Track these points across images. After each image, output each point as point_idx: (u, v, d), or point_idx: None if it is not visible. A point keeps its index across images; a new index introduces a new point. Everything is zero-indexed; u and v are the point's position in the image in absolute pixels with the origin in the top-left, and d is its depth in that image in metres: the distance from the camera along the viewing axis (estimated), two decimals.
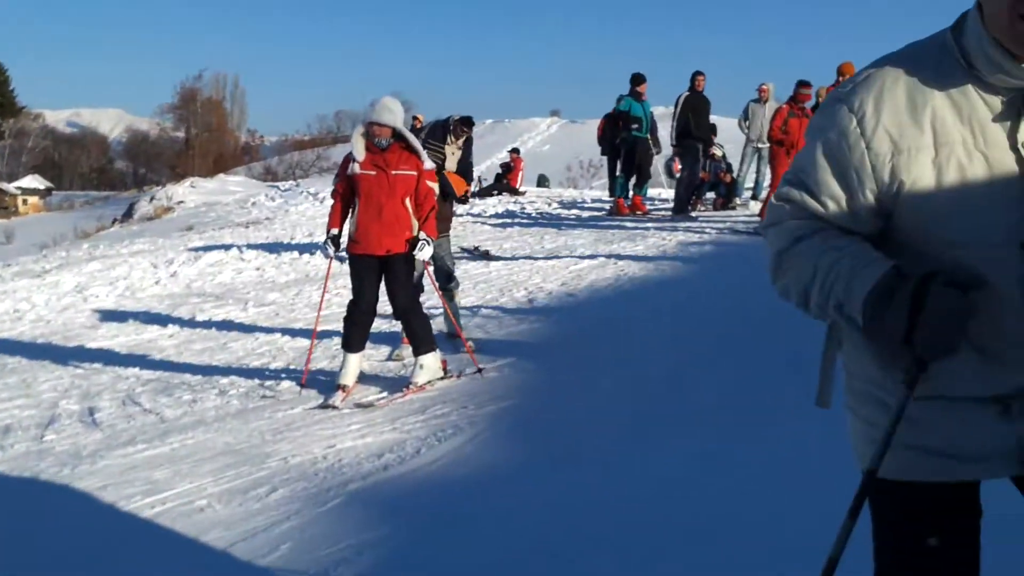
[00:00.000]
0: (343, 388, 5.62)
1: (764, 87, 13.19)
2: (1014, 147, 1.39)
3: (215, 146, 63.09)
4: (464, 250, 11.56)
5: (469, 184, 11.56)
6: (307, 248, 11.96)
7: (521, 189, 20.23)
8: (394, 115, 5.56)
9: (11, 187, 55.39)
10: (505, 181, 20.32)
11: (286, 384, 6.00)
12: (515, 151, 22.03)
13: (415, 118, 17.58)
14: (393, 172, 5.58)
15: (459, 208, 15.15)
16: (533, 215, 14.83)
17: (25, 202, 53.55)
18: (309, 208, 18.55)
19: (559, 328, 6.89)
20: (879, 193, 1.46)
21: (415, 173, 5.64)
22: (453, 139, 10.71)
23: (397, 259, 5.61)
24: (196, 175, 32.92)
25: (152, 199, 23.50)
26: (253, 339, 7.51)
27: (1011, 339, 1.42)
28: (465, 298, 8.41)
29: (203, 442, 4.94)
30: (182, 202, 21.07)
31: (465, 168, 11.04)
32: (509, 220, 14.15)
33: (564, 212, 14.92)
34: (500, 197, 18.38)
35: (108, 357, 7.27)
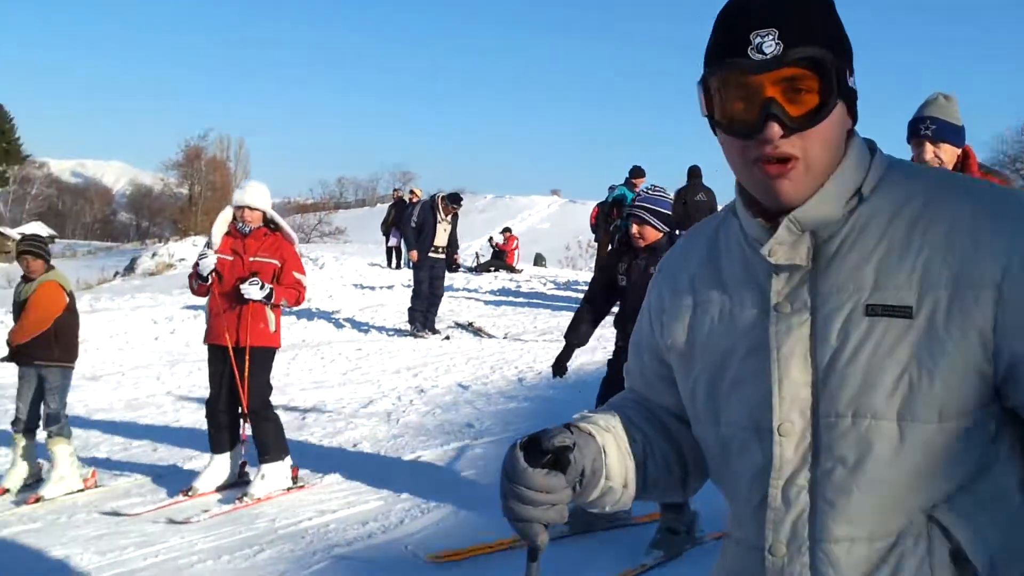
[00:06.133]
0: (188, 492, 5.13)
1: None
2: (765, 311, 1.19)
3: (218, 204, 63.81)
4: (458, 325, 11.85)
5: (456, 254, 11.98)
6: (304, 314, 12.19)
7: (518, 267, 20.63)
8: (265, 200, 5.30)
9: (13, 232, 55.79)
10: (503, 258, 20.75)
11: None
12: (507, 230, 22.48)
13: (411, 192, 18.05)
14: (251, 259, 5.21)
15: (456, 282, 15.54)
16: (528, 294, 15.13)
17: None
18: (308, 273, 18.82)
19: (547, 407, 7.11)
20: (660, 353, 1.36)
21: (276, 262, 5.26)
22: (443, 216, 11.22)
23: (250, 352, 5.18)
24: (198, 233, 33.31)
25: (154, 255, 23.76)
26: None
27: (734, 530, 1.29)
28: (458, 374, 8.65)
29: (194, 499, 5.11)
30: (184, 259, 21.29)
31: (452, 241, 11.53)
32: (504, 298, 14.45)
33: (559, 293, 15.21)
34: (497, 274, 18.74)
35: (105, 410, 7.45)
